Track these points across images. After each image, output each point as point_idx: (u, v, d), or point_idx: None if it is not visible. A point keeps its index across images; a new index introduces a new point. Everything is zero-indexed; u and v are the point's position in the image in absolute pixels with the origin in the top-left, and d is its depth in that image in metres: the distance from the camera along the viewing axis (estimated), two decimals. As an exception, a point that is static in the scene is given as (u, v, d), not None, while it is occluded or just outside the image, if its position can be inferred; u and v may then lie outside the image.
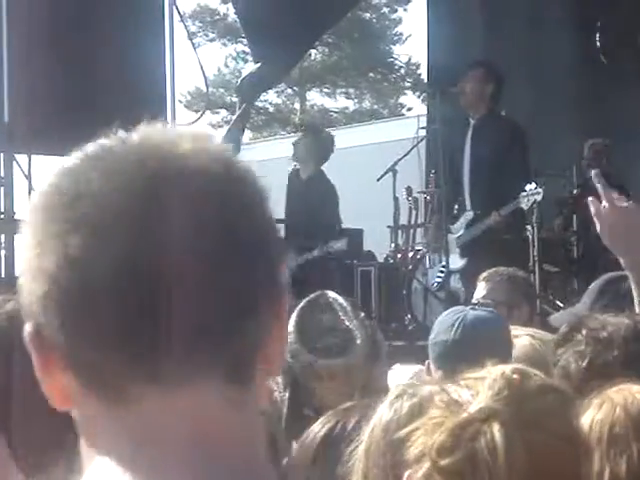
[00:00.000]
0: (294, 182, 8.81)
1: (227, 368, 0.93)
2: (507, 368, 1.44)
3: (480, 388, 1.40)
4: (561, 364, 2.27)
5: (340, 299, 2.44)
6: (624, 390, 1.70)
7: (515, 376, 1.41)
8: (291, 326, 2.39)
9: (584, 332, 2.29)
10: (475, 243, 7.19)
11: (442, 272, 7.56)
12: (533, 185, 6.82)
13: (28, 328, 0.93)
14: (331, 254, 8.22)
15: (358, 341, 2.34)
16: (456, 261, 7.38)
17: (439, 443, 1.34)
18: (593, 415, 1.64)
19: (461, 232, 7.37)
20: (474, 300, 4.20)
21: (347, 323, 2.38)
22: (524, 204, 6.88)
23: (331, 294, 2.46)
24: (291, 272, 8.59)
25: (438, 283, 7.61)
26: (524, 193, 6.84)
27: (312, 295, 2.47)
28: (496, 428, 1.34)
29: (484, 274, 4.46)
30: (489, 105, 7.26)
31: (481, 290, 4.36)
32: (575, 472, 1.42)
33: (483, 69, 7.34)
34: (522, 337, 3.12)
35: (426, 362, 2.99)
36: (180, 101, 27.49)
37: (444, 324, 2.99)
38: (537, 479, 1.35)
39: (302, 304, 2.43)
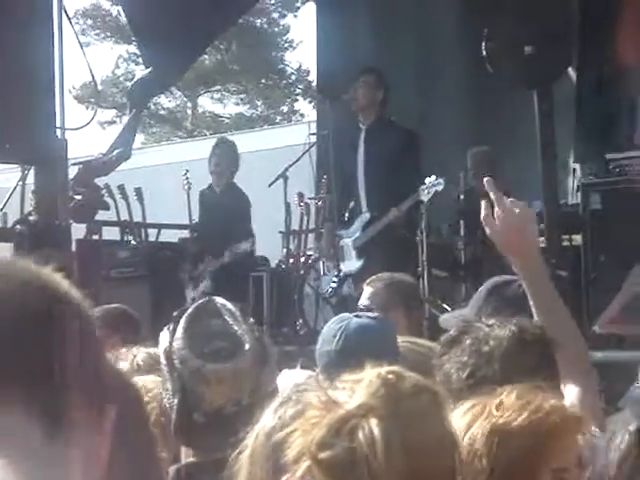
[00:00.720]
0: (208, 196, 8.87)
1: None
2: (382, 370, 1.47)
3: (357, 388, 1.43)
4: (443, 370, 2.32)
5: (228, 304, 2.45)
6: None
7: (390, 376, 1.44)
8: (179, 331, 2.40)
9: (468, 342, 2.35)
10: (372, 244, 7.26)
11: (336, 277, 7.62)
12: (433, 177, 6.93)
13: None
14: (239, 255, 8.27)
15: (246, 345, 2.36)
16: (352, 264, 7.44)
17: (318, 438, 1.37)
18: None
19: (357, 234, 7.44)
20: (359, 305, 4.24)
21: (235, 328, 2.40)
22: (424, 196, 6.98)
23: (219, 300, 2.47)
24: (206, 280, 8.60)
25: (332, 289, 7.66)
26: (424, 186, 6.94)
27: (200, 301, 2.48)
28: (374, 423, 1.36)
29: (368, 280, 4.51)
30: (379, 111, 7.39)
31: (365, 295, 4.40)
32: (449, 471, 1.45)
33: (374, 75, 7.45)
34: (401, 343, 3.17)
35: (315, 371, 3.01)
36: (70, 92, 27.10)
37: (328, 334, 3.00)
38: (414, 473, 1.38)
39: (190, 310, 2.44)
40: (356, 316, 3.08)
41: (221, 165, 8.78)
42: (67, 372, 1.11)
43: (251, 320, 2.46)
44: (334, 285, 7.64)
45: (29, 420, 1.07)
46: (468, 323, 2.48)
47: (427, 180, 6.97)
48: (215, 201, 8.83)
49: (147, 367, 2.97)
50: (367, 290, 4.41)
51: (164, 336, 2.43)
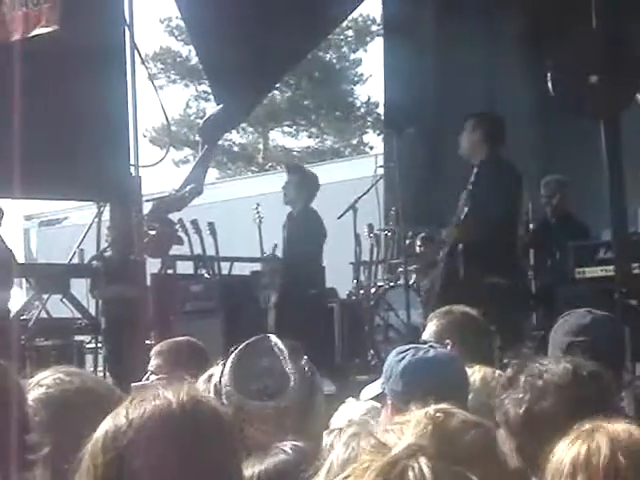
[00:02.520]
0: (288, 222, 8.87)
1: None
2: (430, 408, 1.47)
3: (405, 430, 1.43)
4: (502, 410, 2.33)
5: (279, 343, 2.47)
6: (605, 428, 1.73)
7: (438, 415, 1.45)
8: (227, 368, 2.43)
9: (522, 379, 2.37)
10: (433, 288, 7.23)
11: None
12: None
13: None
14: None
15: (292, 384, 2.37)
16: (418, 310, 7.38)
17: None
18: (576, 450, 1.68)
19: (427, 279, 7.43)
20: (422, 339, 4.26)
21: (284, 367, 2.40)
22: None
23: (272, 338, 2.49)
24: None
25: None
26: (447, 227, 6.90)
27: (252, 338, 2.50)
28: (423, 462, 1.35)
29: (432, 313, 4.52)
30: (485, 149, 7.26)
31: (426, 330, 4.42)
32: None
33: (472, 120, 7.40)
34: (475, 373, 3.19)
35: (372, 405, 3.02)
36: (145, 136, 27.59)
37: (395, 367, 2.94)
38: None
39: (240, 347, 2.46)
40: (423, 348, 3.08)
41: (292, 193, 8.76)
42: None
43: (304, 359, 2.47)
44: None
45: None
46: (524, 363, 2.49)
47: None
48: (291, 226, 8.86)
49: None
50: (429, 323, 4.45)
51: (217, 370, 2.46)
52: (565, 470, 1.67)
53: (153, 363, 4.15)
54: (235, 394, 2.36)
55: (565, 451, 1.71)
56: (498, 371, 3.27)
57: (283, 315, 8.05)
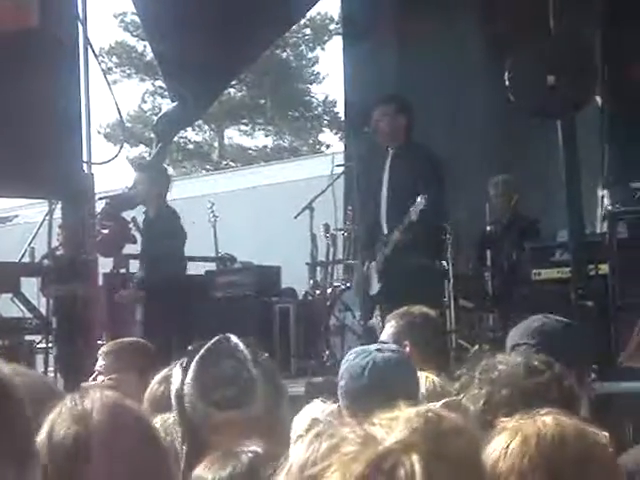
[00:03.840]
0: (145, 223, 8.67)
1: None
2: (421, 408, 1.45)
3: (395, 425, 1.40)
4: (462, 409, 2.31)
5: (241, 344, 2.40)
6: (534, 421, 1.72)
7: (430, 414, 1.42)
8: (190, 376, 2.35)
9: (477, 374, 2.37)
10: (391, 268, 7.18)
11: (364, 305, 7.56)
12: (419, 197, 6.85)
13: None
14: None
15: (258, 391, 2.31)
16: (374, 287, 7.38)
17: (358, 474, 1.33)
18: (504, 445, 1.67)
19: (377, 256, 7.40)
20: (379, 339, 4.22)
21: (248, 370, 2.34)
22: (414, 216, 6.90)
23: (233, 338, 2.41)
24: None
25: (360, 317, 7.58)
26: (412, 206, 6.87)
27: (213, 341, 2.42)
28: (415, 459, 1.33)
29: (391, 314, 4.49)
30: (405, 135, 7.31)
31: (385, 330, 4.39)
32: None
33: (390, 103, 7.41)
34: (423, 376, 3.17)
35: (337, 407, 2.98)
36: (99, 132, 27.36)
37: (354, 369, 2.97)
38: None
39: (202, 351, 2.37)
40: (378, 350, 3.05)
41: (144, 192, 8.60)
42: None
43: (264, 356, 2.41)
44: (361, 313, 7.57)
45: None
46: (476, 360, 2.48)
47: (417, 200, 6.89)
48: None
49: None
50: (387, 324, 4.41)
51: (177, 374, 2.38)
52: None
53: (100, 363, 4.13)
54: (200, 404, 2.29)
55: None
56: (440, 381, 3.27)
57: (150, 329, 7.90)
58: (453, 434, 1.41)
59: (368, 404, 1.55)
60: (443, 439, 1.39)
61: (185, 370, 2.35)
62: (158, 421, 2.36)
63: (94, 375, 4.14)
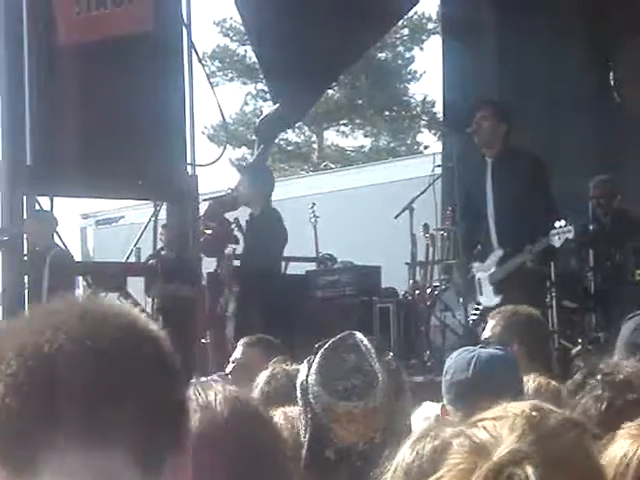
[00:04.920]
0: (249, 224, 8.76)
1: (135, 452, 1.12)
2: (525, 406, 1.43)
3: (500, 429, 1.38)
4: (580, 410, 2.29)
5: (365, 340, 2.46)
6: None
7: (534, 414, 1.40)
8: (314, 367, 2.42)
9: (599, 377, 2.33)
10: (508, 280, 7.21)
11: (477, 309, 7.55)
12: (563, 222, 6.85)
13: None
14: None
15: (379, 383, 2.36)
16: (490, 299, 7.36)
17: None
18: (629, 451, 1.66)
19: (493, 269, 7.39)
20: (483, 338, 4.25)
21: (370, 364, 2.39)
22: (556, 242, 6.90)
23: (358, 335, 2.47)
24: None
25: (474, 321, 7.57)
26: (555, 230, 6.86)
27: (338, 336, 2.49)
28: (530, 471, 1.31)
29: (491, 313, 4.50)
30: (503, 143, 7.33)
31: (487, 328, 4.40)
32: None
33: (494, 108, 7.41)
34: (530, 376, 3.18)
35: (441, 404, 3.02)
36: (204, 133, 27.75)
37: (459, 364, 3.02)
38: None
39: (327, 345, 2.45)
40: (482, 347, 3.10)
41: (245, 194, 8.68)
42: (167, 413, 1.16)
43: (389, 355, 2.46)
44: (474, 317, 7.55)
45: (129, 464, 1.12)
46: (594, 365, 2.46)
47: (557, 224, 6.87)
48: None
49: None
50: (489, 323, 4.42)
51: (302, 369, 2.45)
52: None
53: (238, 355, 4.31)
54: (323, 394, 2.35)
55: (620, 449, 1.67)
56: (553, 382, 3.26)
57: (242, 324, 7.96)
58: (562, 432, 1.40)
59: (472, 398, 1.56)
60: (552, 441, 1.37)
61: (311, 365, 2.41)
62: (280, 414, 2.44)
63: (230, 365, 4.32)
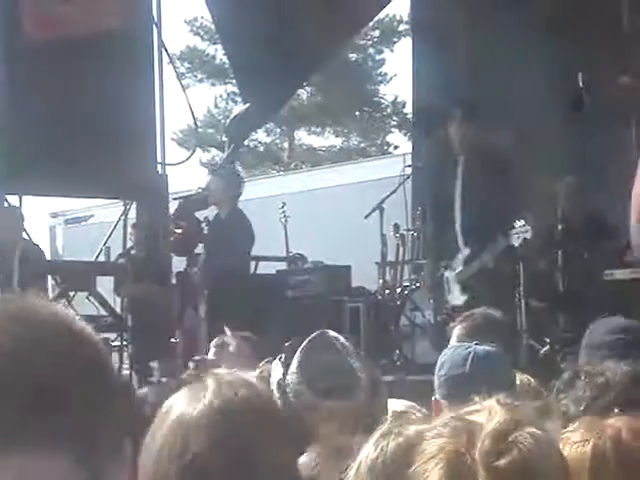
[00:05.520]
0: (214, 224, 8.80)
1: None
2: (495, 400, 1.46)
3: (477, 417, 1.41)
4: (562, 410, 2.33)
5: (341, 338, 2.46)
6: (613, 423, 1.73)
7: (508, 402, 1.45)
8: (294, 366, 2.40)
9: (582, 378, 2.38)
10: (475, 279, 7.27)
11: (446, 309, 7.59)
12: (522, 222, 6.92)
13: None
14: None
15: (361, 382, 2.36)
16: (457, 297, 7.42)
17: (488, 446, 1.36)
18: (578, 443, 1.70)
19: (459, 268, 7.45)
20: (450, 343, 4.29)
21: (350, 363, 2.39)
22: (515, 241, 6.97)
23: (331, 333, 2.48)
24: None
25: (443, 320, 7.61)
26: (514, 230, 6.93)
27: (313, 334, 2.48)
28: (531, 430, 1.39)
29: (458, 318, 4.55)
30: (473, 143, 7.38)
31: (454, 332, 4.45)
32: None
33: (463, 109, 7.46)
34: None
35: (433, 398, 3.05)
36: (172, 139, 27.66)
37: (456, 359, 3.07)
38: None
39: (304, 344, 2.44)
40: (477, 344, 3.15)
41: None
42: (112, 420, 1.14)
43: (362, 353, 2.47)
44: (445, 316, 7.60)
45: (76, 470, 1.10)
46: (580, 365, 2.51)
47: (517, 224, 6.94)
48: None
49: None
50: (455, 328, 4.47)
51: (276, 367, 2.44)
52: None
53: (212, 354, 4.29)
54: (307, 393, 2.35)
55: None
56: (532, 380, 3.31)
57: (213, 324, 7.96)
58: (532, 418, 1.45)
59: (467, 392, 1.58)
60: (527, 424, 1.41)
61: (285, 364, 2.40)
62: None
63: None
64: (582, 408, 2.29)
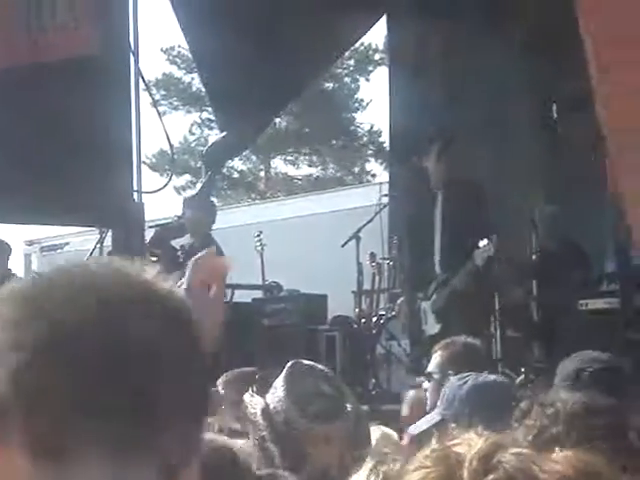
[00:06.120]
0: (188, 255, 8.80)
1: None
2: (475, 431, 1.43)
3: (457, 448, 1.38)
4: (514, 437, 2.34)
5: (317, 365, 2.48)
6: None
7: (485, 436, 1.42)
8: (280, 393, 2.40)
9: (535, 408, 2.37)
10: (448, 307, 7.28)
11: (421, 339, 7.59)
12: (485, 241, 6.95)
13: None
14: None
15: (348, 405, 2.37)
16: (433, 326, 7.43)
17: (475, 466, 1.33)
18: None
19: (434, 297, 7.47)
20: (429, 369, 4.30)
21: (329, 388, 2.40)
22: (479, 261, 7.00)
23: (306, 362, 2.49)
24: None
25: (419, 349, 7.60)
26: (478, 250, 6.97)
27: (290, 363, 2.48)
28: (517, 450, 1.35)
29: (436, 345, 4.57)
30: (452, 178, 7.42)
31: (432, 361, 4.46)
32: None
33: (442, 144, 7.52)
34: None
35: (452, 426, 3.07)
36: (144, 162, 27.62)
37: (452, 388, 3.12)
38: None
39: (285, 371, 2.44)
40: (476, 374, 3.21)
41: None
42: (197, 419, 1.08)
43: (338, 379, 2.48)
44: (419, 346, 7.59)
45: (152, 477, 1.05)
46: (538, 394, 2.51)
47: (480, 244, 6.98)
48: None
49: None
50: (433, 356, 4.48)
51: (255, 398, 2.43)
52: None
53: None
54: (299, 419, 2.34)
55: None
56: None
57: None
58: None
59: (472, 420, 1.58)
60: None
61: (261, 393, 2.40)
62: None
63: None
64: (530, 438, 2.28)
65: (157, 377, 1.03)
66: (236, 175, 31.19)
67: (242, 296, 9.76)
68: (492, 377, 3.25)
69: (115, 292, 1.05)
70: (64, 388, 1.01)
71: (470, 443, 1.42)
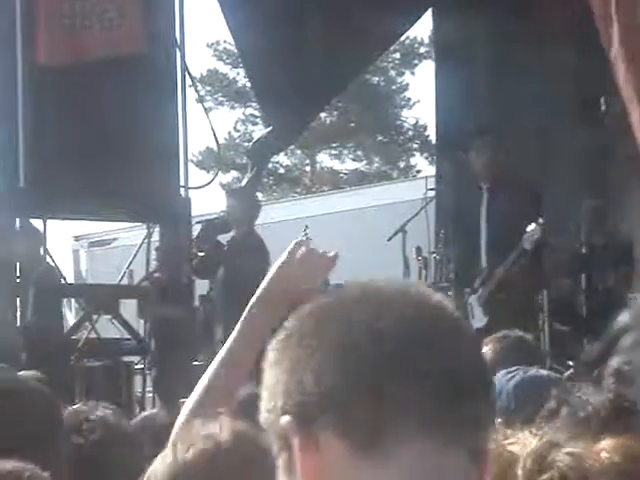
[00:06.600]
0: (231, 246, 8.80)
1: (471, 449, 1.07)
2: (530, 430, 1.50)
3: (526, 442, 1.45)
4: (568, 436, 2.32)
5: None
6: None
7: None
8: None
9: (565, 410, 2.36)
10: (494, 300, 7.28)
11: None
12: (533, 225, 6.93)
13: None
14: None
15: None
16: (480, 319, 7.44)
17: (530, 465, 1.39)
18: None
19: (480, 291, 7.48)
20: None
21: None
22: (527, 244, 6.98)
23: None
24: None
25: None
26: (525, 235, 6.94)
27: None
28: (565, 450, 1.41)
29: (487, 339, 4.54)
30: (498, 172, 7.42)
31: (486, 353, 4.44)
32: None
33: (490, 138, 7.50)
34: None
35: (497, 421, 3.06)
36: (191, 160, 27.75)
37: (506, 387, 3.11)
38: None
39: None
40: (525, 369, 3.20)
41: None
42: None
43: None
44: None
45: (467, 464, 1.07)
46: (565, 393, 2.48)
47: (528, 229, 6.96)
48: None
49: None
50: (484, 348, 4.45)
51: None
52: None
53: None
54: None
55: None
56: None
57: None
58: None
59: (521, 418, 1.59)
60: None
61: None
62: None
63: None
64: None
65: (461, 362, 1.08)
66: (282, 170, 31.24)
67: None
68: (542, 372, 3.21)
69: (422, 299, 1.13)
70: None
71: (525, 442, 1.42)
